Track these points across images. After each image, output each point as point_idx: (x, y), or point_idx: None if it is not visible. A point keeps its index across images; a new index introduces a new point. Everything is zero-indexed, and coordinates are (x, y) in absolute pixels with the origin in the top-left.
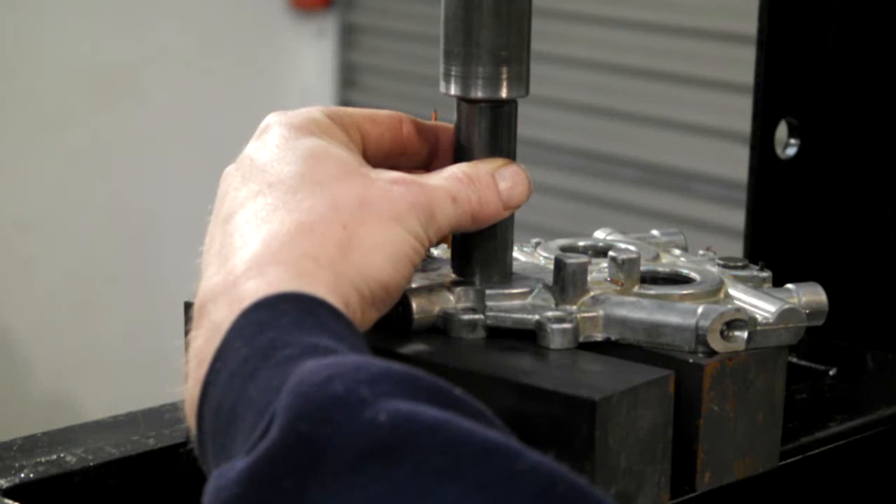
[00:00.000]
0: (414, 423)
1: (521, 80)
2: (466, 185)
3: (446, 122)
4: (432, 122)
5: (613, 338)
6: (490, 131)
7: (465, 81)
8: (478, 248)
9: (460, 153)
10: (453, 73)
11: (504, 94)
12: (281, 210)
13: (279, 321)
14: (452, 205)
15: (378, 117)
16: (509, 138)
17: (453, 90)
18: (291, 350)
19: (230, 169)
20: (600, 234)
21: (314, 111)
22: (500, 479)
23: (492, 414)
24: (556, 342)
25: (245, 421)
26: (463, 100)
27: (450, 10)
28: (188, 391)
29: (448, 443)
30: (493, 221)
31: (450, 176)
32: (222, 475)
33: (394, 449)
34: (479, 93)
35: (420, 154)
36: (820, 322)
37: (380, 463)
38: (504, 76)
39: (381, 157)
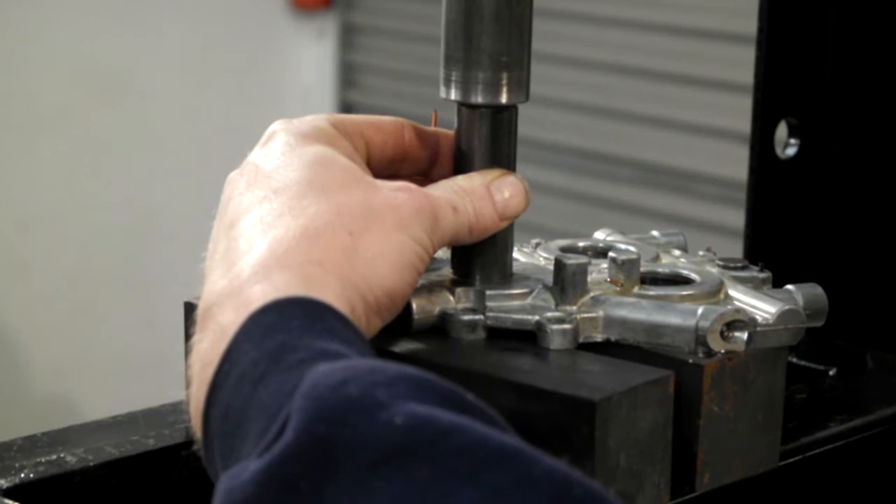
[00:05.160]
0: (431, 426)
1: (522, 85)
2: (462, 197)
3: (447, 122)
4: (433, 129)
5: (613, 338)
6: (490, 137)
7: (465, 87)
8: (478, 249)
9: (460, 158)
10: (454, 78)
11: (504, 99)
12: (286, 216)
13: (288, 325)
14: (453, 214)
15: (382, 124)
16: (510, 144)
17: (454, 95)
18: (302, 354)
19: (234, 175)
20: (600, 235)
21: (319, 119)
22: (516, 482)
23: (504, 420)
24: (555, 343)
25: (256, 423)
26: (463, 105)
27: (450, 15)
28: (192, 394)
29: (465, 446)
30: (490, 233)
31: (447, 187)
32: (234, 476)
33: (411, 452)
34: (479, 98)
35: (421, 160)
36: (820, 323)
37: (397, 465)
38: (504, 82)
39: (384, 163)
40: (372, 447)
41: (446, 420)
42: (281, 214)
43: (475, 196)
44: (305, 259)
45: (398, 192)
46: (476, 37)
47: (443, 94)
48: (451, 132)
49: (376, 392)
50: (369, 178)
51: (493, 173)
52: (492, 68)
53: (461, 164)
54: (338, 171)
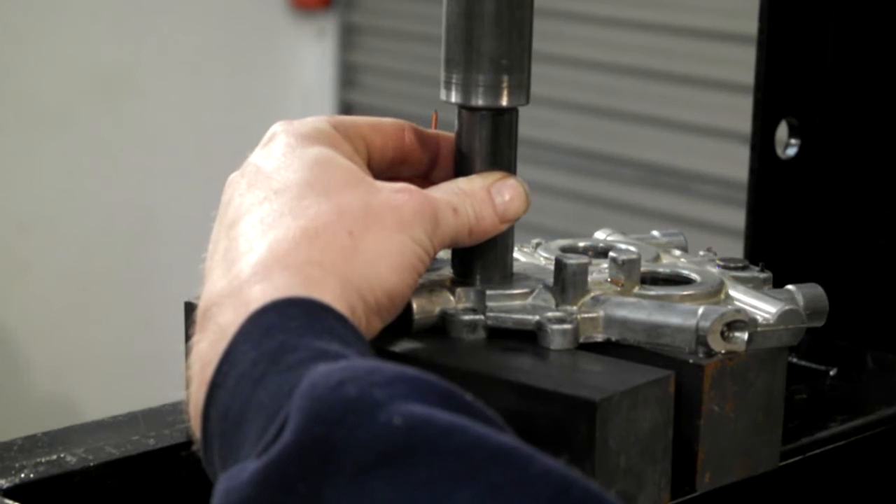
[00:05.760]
0: (429, 426)
1: (522, 88)
2: (463, 199)
3: (447, 122)
4: (433, 131)
5: (614, 338)
6: (491, 139)
7: (465, 89)
8: (478, 249)
9: (461, 161)
10: (454, 80)
11: (505, 102)
12: (287, 216)
13: (287, 325)
14: (454, 216)
15: (382, 126)
16: (510, 146)
17: (454, 98)
18: (301, 355)
19: (235, 176)
20: (600, 235)
21: (320, 121)
22: (514, 483)
23: (502, 420)
24: (556, 343)
25: (255, 424)
26: (464, 108)
27: (451, 19)
28: (192, 394)
29: (463, 447)
30: (490, 236)
31: (447, 190)
32: (233, 477)
33: (409, 452)
34: (479, 101)
35: (421, 162)
36: (820, 323)
37: (395, 466)
38: (505, 84)
39: (384, 165)
40: (370, 448)
41: (444, 420)
42: (281, 215)
43: (476, 198)
44: (305, 259)
45: (398, 193)
46: (477, 40)
47: (443, 96)
48: (452, 134)
49: (374, 392)
50: (370, 180)
51: (493, 176)
52: (492, 71)
53: (461, 167)
54: (338, 171)
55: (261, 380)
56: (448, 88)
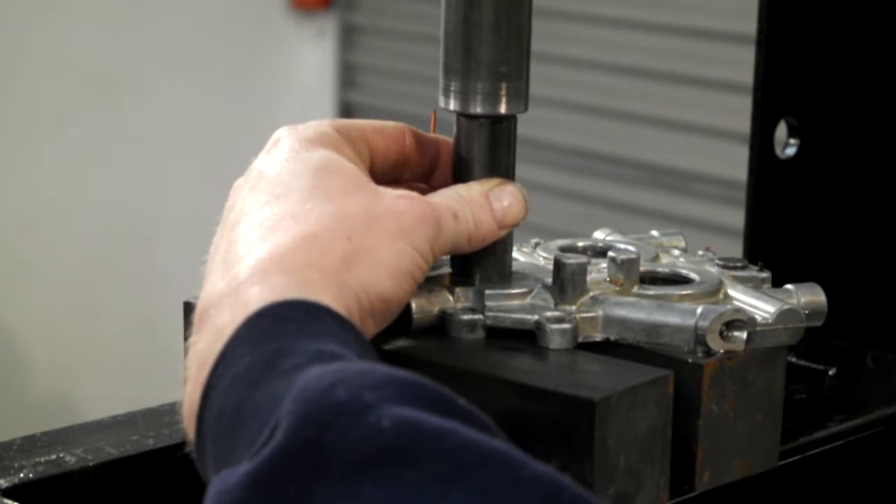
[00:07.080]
0: (418, 429)
1: (521, 95)
2: (462, 205)
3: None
4: (433, 136)
5: (612, 338)
6: (489, 146)
7: (464, 97)
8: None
9: (459, 167)
10: (453, 88)
11: (503, 109)
12: (287, 219)
13: (284, 329)
14: (454, 222)
15: (385, 130)
16: (508, 153)
17: (452, 105)
18: (297, 359)
19: (239, 181)
20: (599, 235)
21: (324, 125)
22: (504, 487)
23: (495, 425)
24: (555, 342)
25: (249, 427)
26: (462, 115)
27: (449, 26)
28: (187, 394)
29: (453, 450)
30: (489, 242)
31: (446, 196)
32: (225, 479)
33: (399, 455)
34: (478, 108)
35: (421, 166)
36: (819, 322)
37: (384, 469)
38: (503, 92)
39: (386, 168)
40: (359, 450)
41: (434, 424)
42: (282, 218)
43: (474, 204)
44: (304, 262)
45: (400, 199)
46: (475, 47)
47: (442, 103)
48: (451, 140)
49: (365, 395)
50: (372, 185)
51: (491, 182)
52: (490, 79)
53: (460, 173)
54: (341, 176)
55: (256, 383)
56: (447, 96)
